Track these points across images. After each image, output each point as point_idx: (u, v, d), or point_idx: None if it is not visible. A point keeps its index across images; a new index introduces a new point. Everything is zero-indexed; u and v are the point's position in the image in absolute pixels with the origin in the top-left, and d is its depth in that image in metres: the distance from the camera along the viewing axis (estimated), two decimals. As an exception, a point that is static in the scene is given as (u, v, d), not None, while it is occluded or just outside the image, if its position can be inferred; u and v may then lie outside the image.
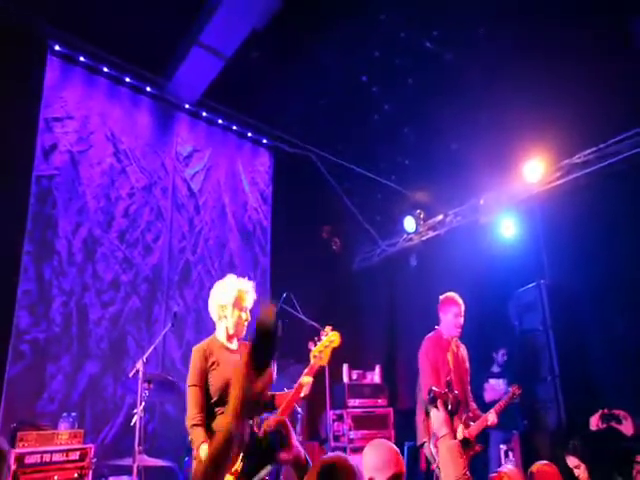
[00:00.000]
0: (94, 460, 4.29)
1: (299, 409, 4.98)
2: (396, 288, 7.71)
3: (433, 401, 2.46)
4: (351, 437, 5.78)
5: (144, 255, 5.98)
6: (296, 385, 2.91)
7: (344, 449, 5.69)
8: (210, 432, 2.80)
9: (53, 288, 5.25)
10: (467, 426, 3.92)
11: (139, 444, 4.04)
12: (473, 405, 4.26)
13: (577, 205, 5.69)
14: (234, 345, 3.10)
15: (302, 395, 2.92)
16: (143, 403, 4.12)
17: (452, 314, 4.32)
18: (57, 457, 4.14)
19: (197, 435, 2.78)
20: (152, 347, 4.48)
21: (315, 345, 3.02)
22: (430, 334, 4.37)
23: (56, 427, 4.43)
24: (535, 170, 6.04)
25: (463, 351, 4.42)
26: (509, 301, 5.97)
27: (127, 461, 4.11)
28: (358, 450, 5.69)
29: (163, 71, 6.21)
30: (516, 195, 6.33)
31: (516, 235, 6.42)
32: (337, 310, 6.71)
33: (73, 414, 4.56)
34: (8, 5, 5.14)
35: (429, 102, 6.32)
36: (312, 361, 2.98)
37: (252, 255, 6.92)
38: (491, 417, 4.08)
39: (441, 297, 4.45)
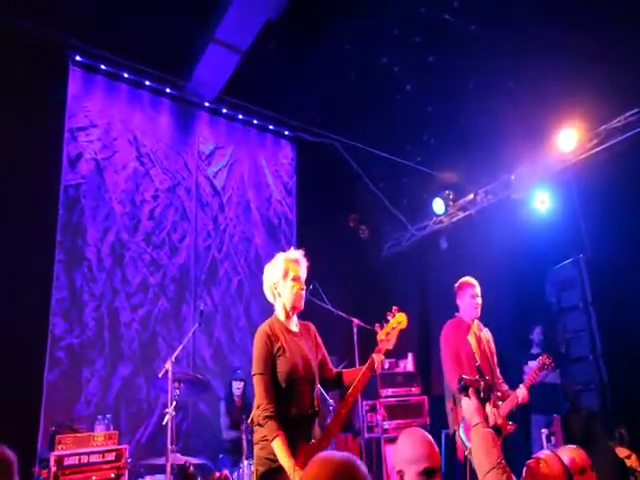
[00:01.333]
0: (129, 460, 4.43)
1: (331, 401, 4.95)
2: (427, 272, 7.55)
3: (465, 389, 2.33)
4: (385, 427, 5.72)
5: (170, 256, 6.11)
6: (368, 362, 2.82)
7: (378, 440, 5.64)
8: (282, 424, 2.62)
9: (84, 294, 5.44)
10: (496, 407, 3.80)
11: (172, 443, 4.11)
12: (503, 387, 4.10)
13: (617, 173, 5.36)
14: (295, 326, 2.94)
15: (376, 371, 2.84)
16: (174, 402, 4.19)
17: (468, 296, 4.21)
18: (94, 458, 4.31)
19: (271, 428, 2.59)
20: (180, 347, 4.54)
21: (381, 328, 2.91)
22: (449, 320, 4.29)
23: (92, 429, 4.60)
24: (569, 139, 5.74)
25: (487, 333, 4.29)
26: (546, 279, 5.71)
27: (162, 460, 4.19)
28: (392, 440, 5.62)
29: (181, 71, 6.28)
30: (550, 167, 6.05)
31: (551, 209, 6.13)
32: (368, 298, 6.66)
33: (108, 416, 4.73)
34: (28, 21, 5.29)
35: (453, 77, 6.13)
36: (379, 345, 2.87)
37: (278, 248, 6.69)
38: (521, 392, 3.87)
39: (455, 285, 4.36)
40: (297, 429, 2.67)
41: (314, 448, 2.60)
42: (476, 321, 4.25)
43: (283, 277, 2.87)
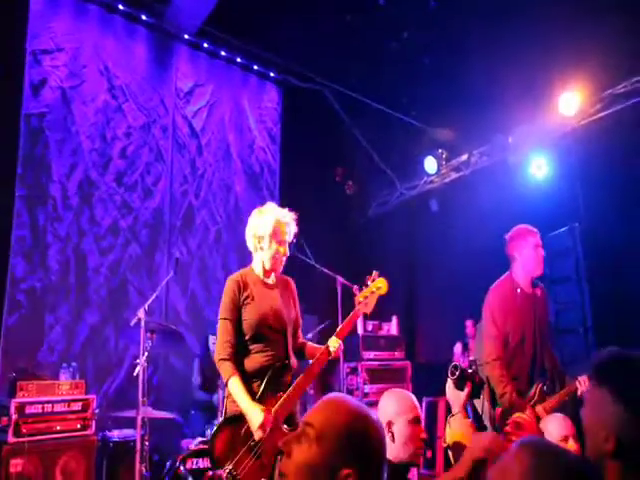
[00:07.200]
0: (97, 411, 4.41)
1: (309, 361, 5.02)
2: (415, 234, 7.63)
3: (463, 379, 2.31)
4: (366, 391, 5.86)
5: (143, 199, 5.99)
6: (323, 348, 2.91)
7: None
8: (244, 371, 2.80)
9: (48, 234, 5.30)
10: (542, 399, 3.28)
11: (143, 396, 4.11)
12: (558, 371, 3.54)
13: (619, 141, 5.47)
14: (271, 280, 3.04)
15: (331, 357, 2.93)
16: (146, 354, 4.16)
17: (530, 246, 3.55)
18: (59, 407, 4.25)
19: (225, 369, 2.77)
20: (154, 295, 4.48)
21: (360, 291, 2.99)
22: (497, 283, 3.64)
23: (57, 378, 4.54)
24: (572, 102, 5.79)
25: (543, 297, 3.65)
26: (539, 247, 5.83)
27: (131, 413, 4.18)
28: (373, 404, 5.76)
29: (160, -4, 6.03)
30: (550, 131, 6.12)
31: (549, 176, 6.24)
32: (351, 258, 6.70)
33: (74, 364, 4.66)
34: None
35: (453, 28, 6.07)
36: (356, 307, 2.97)
37: (260, 199, 6.83)
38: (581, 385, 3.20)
39: (507, 235, 3.76)
40: (265, 379, 2.78)
41: (282, 401, 2.74)
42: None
43: (270, 236, 2.96)
